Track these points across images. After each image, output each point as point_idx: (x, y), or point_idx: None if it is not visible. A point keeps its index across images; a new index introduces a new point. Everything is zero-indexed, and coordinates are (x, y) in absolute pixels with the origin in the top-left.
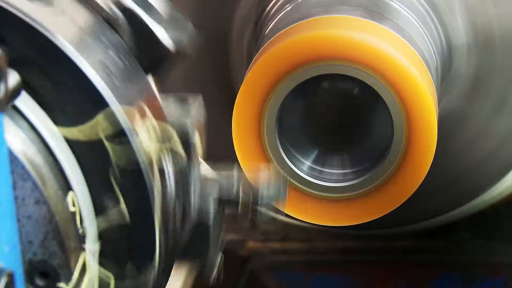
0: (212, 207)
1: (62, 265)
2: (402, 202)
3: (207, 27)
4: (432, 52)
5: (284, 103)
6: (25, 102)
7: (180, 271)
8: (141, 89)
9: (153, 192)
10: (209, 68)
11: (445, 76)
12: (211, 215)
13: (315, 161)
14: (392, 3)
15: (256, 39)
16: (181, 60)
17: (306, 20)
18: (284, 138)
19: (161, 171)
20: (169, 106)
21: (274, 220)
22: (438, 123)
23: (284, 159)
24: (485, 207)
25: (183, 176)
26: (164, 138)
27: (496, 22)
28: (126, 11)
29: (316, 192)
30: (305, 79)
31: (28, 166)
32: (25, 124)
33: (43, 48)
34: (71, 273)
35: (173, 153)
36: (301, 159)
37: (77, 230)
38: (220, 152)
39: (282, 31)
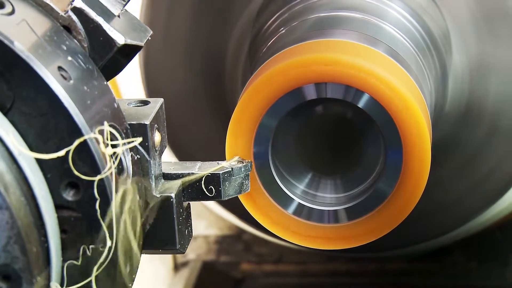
0: (173, 194)
1: (24, 269)
2: (395, 226)
3: (202, 49)
4: (426, 75)
5: (278, 126)
6: None
7: (181, 275)
8: (100, 92)
9: (110, 188)
10: (204, 90)
11: (439, 100)
12: (174, 201)
13: (309, 185)
14: (386, 27)
15: (251, 61)
16: (134, 54)
17: (300, 43)
18: (277, 161)
19: (120, 170)
20: (131, 108)
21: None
22: (432, 147)
23: (277, 183)
24: (479, 230)
25: (143, 171)
26: (123, 138)
27: (490, 50)
28: (81, 14)
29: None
30: (299, 103)
31: None
32: None
33: (2, 56)
34: (33, 277)
35: (133, 150)
36: (295, 183)
37: (39, 235)
38: None
39: (276, 54)
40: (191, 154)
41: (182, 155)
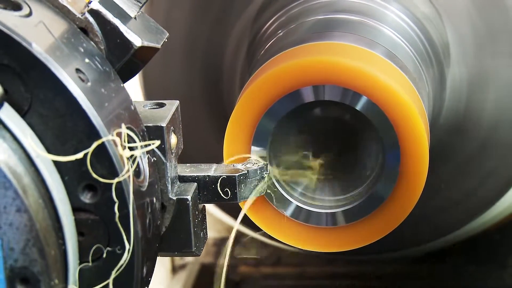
0: (189, 196)
1: (42, 272)
2: (393, 229)
3: (200, 52)
4: (425, 78)
5: (276, 129)
6: (6, 113)
7: (179, 278)
8: (117, 94)
9: (128, 191)
10: (202, 92)
11: (437, 103)
12: (190, 203)
13: (306, 188)
14: (384, 29)
15: (249, 64)
16: (150, 56)
17: (298, 46)
18: (275, 164)
19: (137, 172)
20: (147, 110)
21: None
22: (430, 150)
23: (275, 185)
24: (478, 232)
25: (159, 173)
26: (140, 141)
27: (490, 64)
28: (98, 16)
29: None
30: (297, 105)
31: (9, 175)
32: (7, 135)
33: (20, 57)
34: (51, 279)
35: (150, 153)
36: (293, 186)
37: (56, 238)
38: None
39: (274, 56)
40: (189, 156)
41: (180, 157)
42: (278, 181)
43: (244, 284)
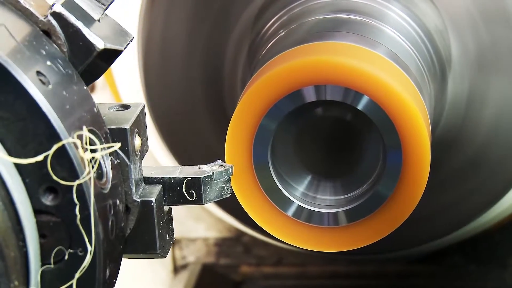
0: (154, 198)
1: (1, 274)
2: (394, 229)
3: (201, 53)
4: (426, 78)
5: (277, 129)
6: None
7: (181, 278)
8: (80, 97)
9: (89, 193)
10: (202, 94)
11: (438, 102)
12: (154, 205)
13: (308, 188)
14: (385, 29)
15: (250, 64)
16: (113, 58)
17: (300, 46)
18: (277, 164)
19: (100, 174)
20: (111, 113)
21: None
22: (431, 149)
23: (277, 185)
24: (479, 232)
25: (124, 175)
26: (103, 143)
27: (492, 81)
28: (61, 19)
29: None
30: (299, 105)
31: None
32: None
33: None
34: (10, 281)
35: (113, 155)
36: (294, 186)
37: (17, 240)
38: None
39: (276, 56)
40: (191, 158)
41: (182, 159)
42: (279, 181)
43: (246, 284)
